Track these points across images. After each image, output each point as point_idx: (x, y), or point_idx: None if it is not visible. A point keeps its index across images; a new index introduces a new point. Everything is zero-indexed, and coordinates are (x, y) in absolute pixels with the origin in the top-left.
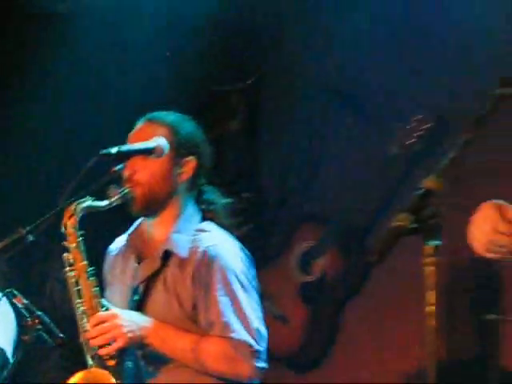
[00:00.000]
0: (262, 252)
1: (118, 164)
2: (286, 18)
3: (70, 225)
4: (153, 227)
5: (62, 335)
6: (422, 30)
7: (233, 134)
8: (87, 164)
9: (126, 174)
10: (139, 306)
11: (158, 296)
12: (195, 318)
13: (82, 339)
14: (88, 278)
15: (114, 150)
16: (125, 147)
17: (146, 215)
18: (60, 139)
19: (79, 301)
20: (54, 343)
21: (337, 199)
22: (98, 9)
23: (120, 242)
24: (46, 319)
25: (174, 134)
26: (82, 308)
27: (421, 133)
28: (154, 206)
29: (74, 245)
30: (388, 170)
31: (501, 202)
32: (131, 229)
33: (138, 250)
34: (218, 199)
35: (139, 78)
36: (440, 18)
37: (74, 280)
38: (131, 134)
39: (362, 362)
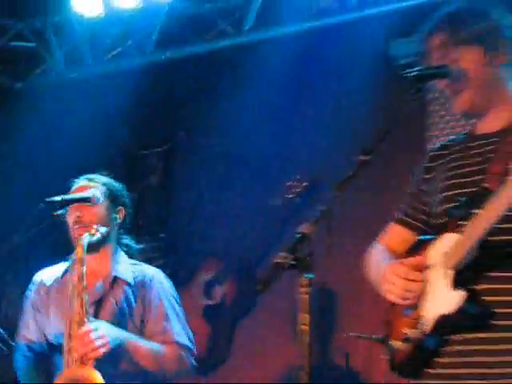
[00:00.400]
0: (174, 280)
1: (61, 210)
2: (193, 95)
3: (80, 251)
4: (94, 260)
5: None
6: (303, 103)
7: (153, 187)
8: (38, 208)
9: (73, 216)
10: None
11: (107, 314)
12: (142, 330)
13: (66, 343)
14: (84, 294)
15: (58, 198)
16: (68, 196)
17: (91, 251)
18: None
19: (75, 311)
20: (7, 351)
21: (233, 239)
22: (44, 86)
23: (52, 273)
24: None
25: (108, 189)
26: (76, 317)
27: (300, 189)
28: (98, 241)
29: (82, 267)
30: (273, 217)
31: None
32: (67, 265)
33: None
34: (134, 244)
35: (78, 142)
36: (318, 93)
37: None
38: (73, 189)
39: (251, 366)
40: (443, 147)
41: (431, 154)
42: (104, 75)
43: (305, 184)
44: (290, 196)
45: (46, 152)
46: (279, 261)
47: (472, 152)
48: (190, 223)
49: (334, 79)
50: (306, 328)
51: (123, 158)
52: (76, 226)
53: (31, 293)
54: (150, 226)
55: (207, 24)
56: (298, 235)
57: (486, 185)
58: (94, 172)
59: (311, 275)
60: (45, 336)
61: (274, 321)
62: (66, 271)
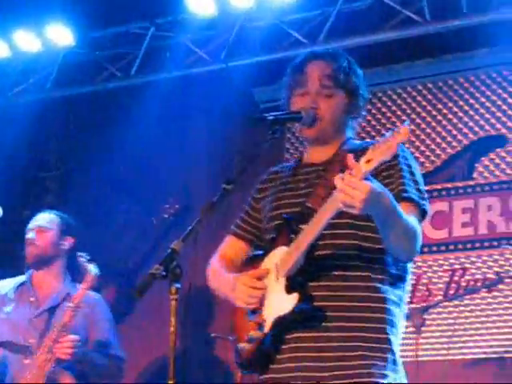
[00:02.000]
0: None
1: None
2: (86, 128)
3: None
4: (46, 278)
5: None
6: (180, 138)
7: (48, 206)
8: None
9: (30, 237)
10: (43, 333)
11: (57, 322)
12: (86, 341)
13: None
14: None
15: None
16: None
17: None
18: None
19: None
20: None
21: (115, 252)
22: None
23: (5, 286)
24: None
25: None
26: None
27: (173, 211)
28: (45, 261)
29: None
30: (151, 234)
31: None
32: (21, 281)
33: (32, 293)
34: None
35: None
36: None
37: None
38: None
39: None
40: (275, 172)
41: (264, 177)
42: (8, 107)
43: (177, 206)
44: (166, 216)
45: None
46: (153, 272)
47: (299, 178)
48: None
49: (208, 118)
50: (172, 329)
51: (23, 179)
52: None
53: None
54: None
55: (98, 68)
56: (169, 250)
57: (310, 205)
58: None
59: (178, 285)
60: None
61: (149, 323)
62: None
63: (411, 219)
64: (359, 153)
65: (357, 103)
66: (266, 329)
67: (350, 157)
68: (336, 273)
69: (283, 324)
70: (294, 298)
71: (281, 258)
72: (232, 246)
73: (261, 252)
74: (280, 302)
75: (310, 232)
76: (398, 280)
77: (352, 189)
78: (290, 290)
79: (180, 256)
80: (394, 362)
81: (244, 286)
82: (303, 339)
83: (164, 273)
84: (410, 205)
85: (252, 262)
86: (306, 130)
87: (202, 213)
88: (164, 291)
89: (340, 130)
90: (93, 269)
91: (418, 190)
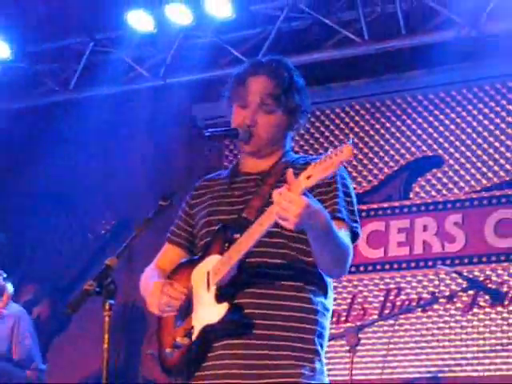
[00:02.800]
0: None
1: None
2: (27, 141)
3: None
4: None
5: None
6: (119, 153)
7: None
8: None
9: None
10: None
11: None
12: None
13: None
14: None
15: None
16: None
17: None
18: None
19: None
20: None
21: (51, 267)
22: None
23: None
24: None
25: None
26: None
27: (109, 227)
28: None
29: None
30: (88, 250)
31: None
32: None
33: None
34: None
35: None
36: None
37: None
38: None
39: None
40: (210, 179)
41: (199, 183)
42: None
43: (113, 222)
44: (102, 232)
45: None
46: (86, 288)
47: (235, 186)
48: (16, 253)
49: (148, 134)
50: (106, 346)
51: None
52: None
53: None
54: None
55: (37, 82)
56: (103, 266)
57: (245, 215)
58: None
59: (112, 301)
60: None
61: (84, 337)
62: None
63: (345, 238)
64: (298, 166)
65: (297, 120)
66: (194, 336)
67: (290, 172)
68: (268, 282)
69: (211, 333)
70: (223, 307)
71: (213, 267)
72: (167, 253)
73: (194, 258)
74: (209, 311)
75: (244, 243)
76: (327, 290)
77: (288, 203)
78: (220, 299)
79: (115, 272)
80: (322, 373)
81: (160, 292)
82: (230, 347)
83: (98, 289)
84: (342, 225)
85: (183, 267)
86: (243, 146)
87: (136, 229)
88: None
89: (278, 144)
90: (9, 287)
91: (351, 211)
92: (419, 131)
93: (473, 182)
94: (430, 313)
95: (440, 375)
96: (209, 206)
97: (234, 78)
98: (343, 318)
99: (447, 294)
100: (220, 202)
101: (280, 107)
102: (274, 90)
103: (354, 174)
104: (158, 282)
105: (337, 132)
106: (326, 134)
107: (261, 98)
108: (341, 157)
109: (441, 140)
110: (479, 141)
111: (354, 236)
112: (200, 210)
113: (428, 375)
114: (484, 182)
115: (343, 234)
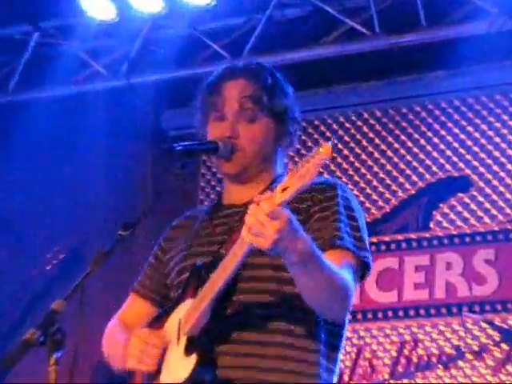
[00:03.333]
0: None
1: None
2: None
3: None
4: None
5: None
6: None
7: None
8: None
9: None
10: None
11: None
12: None
13: None
14: None
15: None
16: None
17: None
18: None
19: None
20: None
21: None
22: None
23: None
24: None
25: None
26: None
27: (57, 261)
28: None
29: None
30: (31, 288)
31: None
32: None
33: None
34: None
35: None
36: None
37: None
38: None
39: None
40: (188, 217)
41: (175, 223)
42: None
43: (62, 256)
44: (48, 268)
45: None
46: (27, 338)
47: (216, 222)
48: None
49: (106, 147)
50: None
51: None
52: None
53: None
54: None
55: None
56: (49, 311)
57: (223, 251)
58: None
59: (59, 353)
60: None
61: None
62: None
63: (340, 270)
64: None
65: (286, 128)
66: None
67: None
68: (251, 325)
69: None
70: (191, 361)
71: (184, 314)
72: (134, 307)
73: (168, 306)
74: (177, 366)
75: (216, 280)
76: (332, 336)
77: (265, 216)
78: (189, 351)
79: (63, 318)
80: None
81: (139, 340)
82: None
83: (42, 339)
84: (344, 254)
85: (156, 322)
86: (224, 165)
87: (91, 266)
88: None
89: (266, 163)
90: None
91: (358, 238)
92: (442, 146)
93: (508, 210)
94: (453, 371)
95: None
96: (184, 249)
97: (206, 86)
98: (346, 378)
99: (475, 348)
100: (198, 242)
101: (263, 111)
102: (255, 92)
103: (362, 199)
104: (140, 330)
105: (340, 146)
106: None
107: (239, 103)
108: (318, 157)
109: (468, 157)
110: None
111: (363, 267)
112: (174, 255)
113: None
114: None
115: (342, 267)
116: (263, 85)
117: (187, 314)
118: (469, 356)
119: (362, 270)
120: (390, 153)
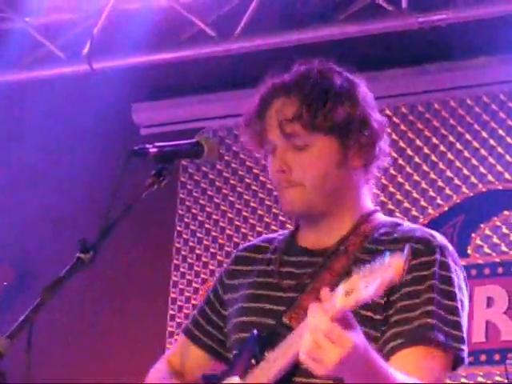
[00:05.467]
0: None
1: None
2: None
3: None
4: None
5: None
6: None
7: None
8: None
9: None
10: None
11: None
12: None
13: None
14: None
15: None
16: None
17: None
18: None
19: None
20: None
21: None
22: None
23: None
24: None
25: None
26: None
27: (4, 282)
28: None
29: None
30: None
31: None
32: None
33: None
34: None
35: None
36: None
37: None
38: None
39: None
40: (255, 248)
41: (238, 253)
42: None
43: (12, 275)
44: None
45: None
46: None
47: (288, 270)
48: None
49: (62, 145)
50: None
51: None
52: None
53: None
54: None
55: None
56: None
57: (286, 320)
58: None
59: None
60: None
61: None
62: None
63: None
64: (384, 243)
65: (359, 145)
66: None
67: (325, 290)
68: None
69: None
70: None
71: None
72: (182, 350)
73: (215, 375)
74: None
75: (273, 364)
76: None
77: (327, 340)
78: None
79: (6, 360)
80: None
81: None
82: None
83: None
84: (431, 351)
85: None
86: (281, 203)
87: (42, 294)
88: None
89: (338, 195)
90: None
91: (454, 324)
92: (483, 151)
93: None
94: None
95: None
96: (246, 298)
97: (248, 109)
98: None
99: None
100: (261, 294)
101: (316, 130)
102: (298, 110)
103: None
104: None
105: None
106: None
107: (280, 128)
108: (388, 276)
109: None
110: None
111: (456, 362)
112: (234, 299)
113: None
114: None
115: (425, 373)
116: (305, 96)
117: None
118: None
119: (453, 366)
120: (417, 159)
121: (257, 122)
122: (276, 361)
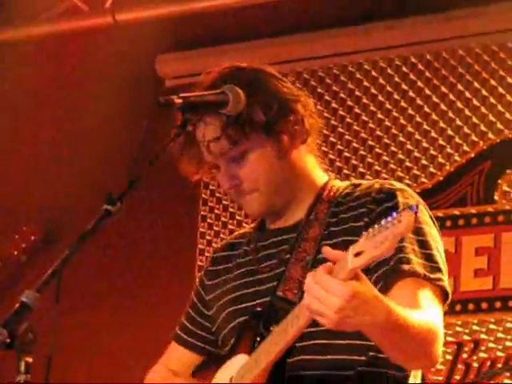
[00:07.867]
0: None
1: None
2: None
3: None
4: None
5: None
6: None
7: None
8: None
9: None
10: None
11: None
12: None
13: None
14: None
15: None
16: None
17: None
18: None
19: None
20: None
21: None
22: None
23: None
24: None
25: None
26: None
27: (26, 245)
28: None
29: None
30: None
31: None
32: None
33: None
34: None
35: None
36: None
37: None
38: None
39: None
40: (230, 246)
41: (215, 255)
42: None
43: (34, 238)
44: (15, 253)
45: None
46: None
47: (265, 253)
48: None
49: (87, 99)
50: None
51: None
52: None
53: None
54: None
55: None
56: (17, 305)
57: (281, 294)
58: None
59: (30, 358)
60: None
61: None
62: None
63: (425, 314)
64: (345, 205)
65: (288, 131)
66: None
67: (326, 249)
68: None
69: None
70: None
71: (237, 372)
72: (175, 356)
73: (221, 354)
74: None
75: (275, 342)
76: None
77: (325, 292)
78: None
79: (34, 314)
80: None
81: None
82: None
83: (8, 340)
84: (414, 282)
85: (201, 372)
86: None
87: (69, 249)
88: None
89: (294, 183)
90: None
91: (428, 256)
92: (509, 97)
93: None
94: None
95: None
96: (231, 290)
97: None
98: None
99: None
100: (246, 281)
101: (242, 137)
102: (217, 130)
103: (408, 164)
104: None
105: (365, 100)
106: (359, 93)
107: (209, 150)
108: (398, 231)
109: None
110: None
111: (443, 295)
112: (218, 295)
113: None
114: None
115: (424, 303)
116: (219, 113)
117: (241, 373)
118: None
119: (440, 298)
120: (443, 106)
121: (190, 147)
122: (276, 341)
